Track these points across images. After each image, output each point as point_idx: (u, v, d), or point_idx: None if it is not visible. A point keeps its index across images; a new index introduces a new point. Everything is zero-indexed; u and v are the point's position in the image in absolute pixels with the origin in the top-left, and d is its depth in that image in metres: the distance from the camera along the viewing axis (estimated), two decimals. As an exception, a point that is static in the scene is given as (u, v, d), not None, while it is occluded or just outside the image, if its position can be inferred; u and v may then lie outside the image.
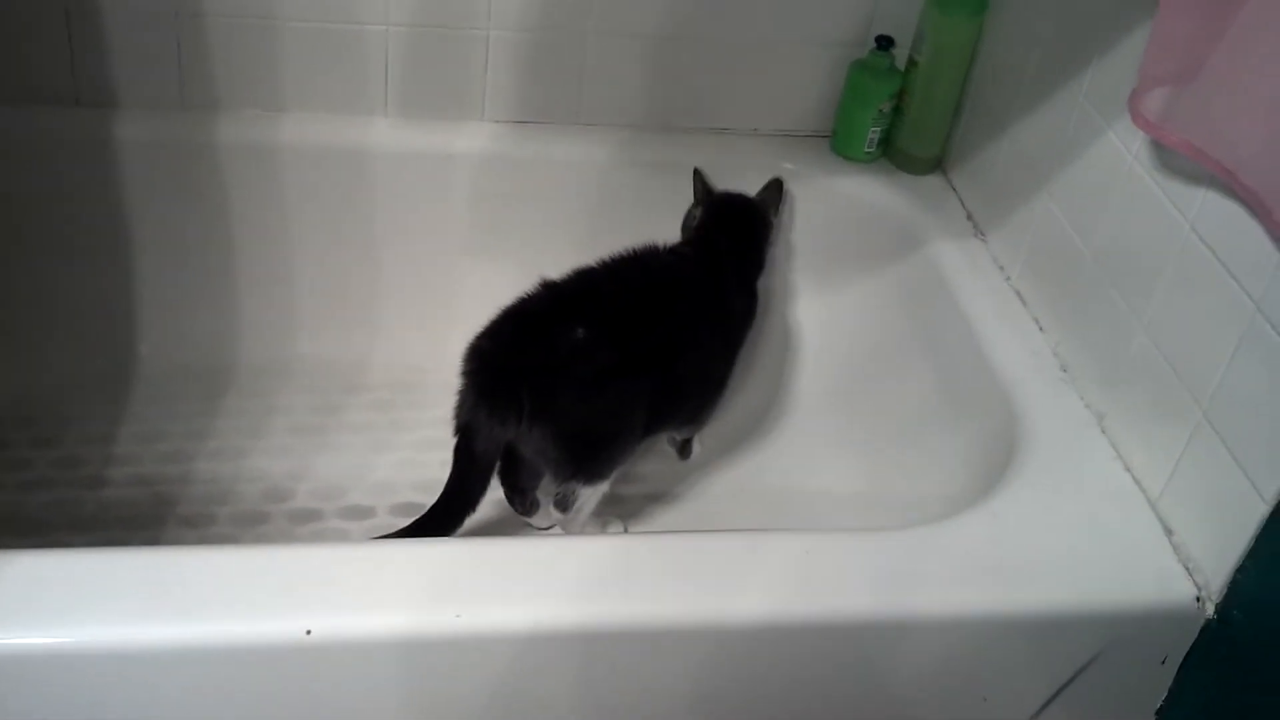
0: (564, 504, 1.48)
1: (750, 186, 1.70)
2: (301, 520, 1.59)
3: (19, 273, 1.72)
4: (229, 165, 1.72)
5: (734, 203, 1.67)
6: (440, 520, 1.38)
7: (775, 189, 1.69)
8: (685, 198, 1.72)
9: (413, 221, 1.80)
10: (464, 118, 1.78)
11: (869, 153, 1.82)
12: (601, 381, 1.38)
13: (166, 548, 1.43)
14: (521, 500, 1.54)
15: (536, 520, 1.56)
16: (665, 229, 1.78)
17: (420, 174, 1.76)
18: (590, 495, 1.47)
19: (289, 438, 1.71)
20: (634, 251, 1.51)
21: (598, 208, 1.83)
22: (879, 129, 1.80)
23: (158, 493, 1.60)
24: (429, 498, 1.60)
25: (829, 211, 1.80)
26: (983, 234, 1.68)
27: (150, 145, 1.70)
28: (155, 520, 1.57)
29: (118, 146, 1.69)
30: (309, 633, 1.04)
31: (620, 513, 1.62)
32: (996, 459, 1.35)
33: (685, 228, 1.66)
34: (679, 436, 1.70)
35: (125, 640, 1.02)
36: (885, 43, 1.75)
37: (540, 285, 1.42)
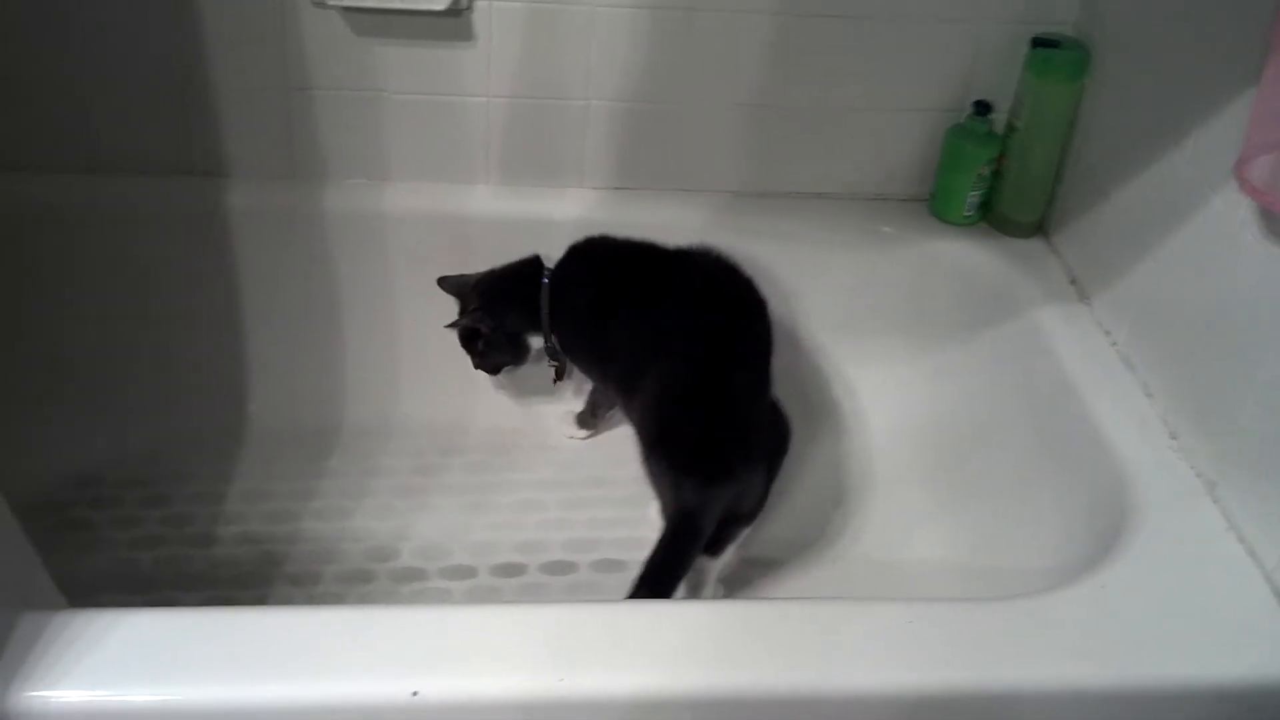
0: (720, 549, 1.50)
1: (848, 253, 1.72)
2: (405, 580, 1.62)
3: (135, 334, 1.78)
4: (336, 232, 1.78)
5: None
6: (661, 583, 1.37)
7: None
8: (783, 262, 1.73)
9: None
10: (563, 184, 1.82)
11: (968, 216, 1.81)
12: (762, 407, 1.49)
13: (274, 607, 1.46)
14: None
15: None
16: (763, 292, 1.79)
17: (521, 240, 1.78)
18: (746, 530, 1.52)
19: (391, 498, 1.74)
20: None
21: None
22: (978, 193, 1.79)
23: (265, 551, 1.64)
24: (529, 558, 1.64)
25: (927, 275, 1.79)
26: (1087, 298, 1.66)
27: (261, 213, 1.76)
28: (263, 579, 1.60)
29: (230, 215, 1.75)
30: (415, 694, 1.05)
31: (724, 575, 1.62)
32: (1103, 529, 1.32)
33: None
34: None
35: (232, 699, 1.04)
36: (983, 107, 1.75)
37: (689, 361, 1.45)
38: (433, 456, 1.82)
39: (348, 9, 1.65)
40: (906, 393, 1.82)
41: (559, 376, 1.76)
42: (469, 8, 1.66)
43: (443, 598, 1.59)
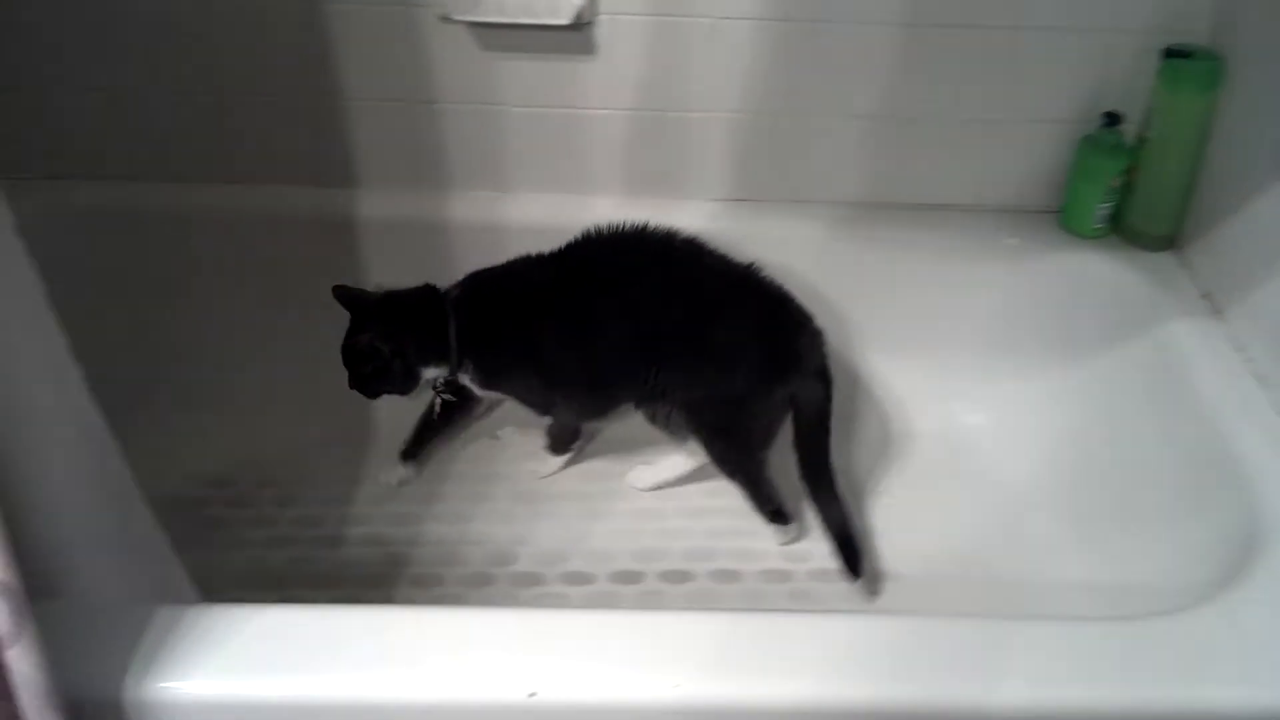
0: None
1: (973, 265, 1.70)
2: (524, 584, 1.64)
3: (269, 340, 1.85)
4: (459, 242, 1.82)
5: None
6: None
7: None
8: (905, 273, 1.72)
9: (632, 296, 1.85)
10: (684, 195, 1.84)
11: (1098, 229, 1.77)
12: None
13: (397, 607, 1.50)
14: None
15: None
16: (881, 304, 1.79)
17: (640, 250, 1.81)
18: None
19: (511, 504, 1.77)
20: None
21: (815, 283, 1.84)
22: (1108, 205, 1.75)
23: (390, 553, 1.68)
24: (647, 565, 1.65)
25: (1055, 288, 1.76)
26: (1220, 313, 1.61)
27: (388, 223, 1.81)
28: (387, 580, 1.64)
29: (358, 224, 1.80)
30: (533, 695, 1.06)
31: (844, 589, 1.61)
32: (1236, 550, 1.28)
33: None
34: None
35: (355, 694, 1.08)
36: (1113, 119, 1.71)
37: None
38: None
39: (474, 24, 1.69)
40: (1034, 408, 1.79)
41: (441, 410, 1.73)
42: (592, 22, 1.69)
43: (560, 603, 1.61)
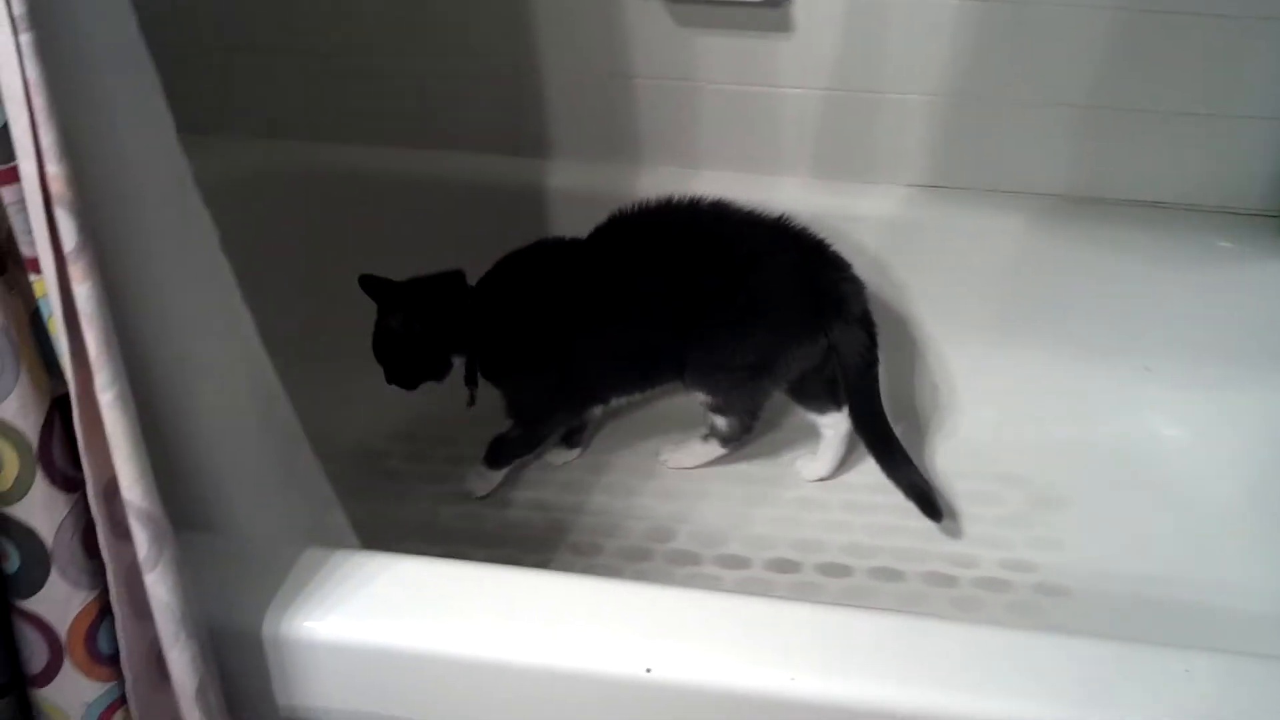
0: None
1: (1181, 267, 1.59)
2: (680, 562, 1.64)
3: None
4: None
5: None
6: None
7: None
8: (1106, 273, 1.63)
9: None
10: (875, 180, 1.78)
11: (1323, 236, 1.63)
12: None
13: (545, 571, 1.52)
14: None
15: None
16: (1078, 303, 1.70)
17: (826, 233, 1.77)
18: None
19: (677, 481, 1.77)
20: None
21: (1010, 279, 1.76)
22: (1336, 210, 1.61)
23: (553, 518, 1.71)
24: (806, 556, 1.63)
25: (1271, 297, 1.62)
26: None
27: (578, 194, 1.83)
28: (547, 544, 1.67)
29: (549, 194, 1.83)
30: (649, 670, 1.06)
31: (1009, 600, 1.55)
32: None
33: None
34: None
35: (480, 650, 1.09)
36: (1350, 115, 1.57)
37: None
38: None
39: (671, 0, 1.68)
40: (1240, 425, 1.66)
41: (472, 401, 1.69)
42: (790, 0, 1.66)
43: (713, 584, 1.60)
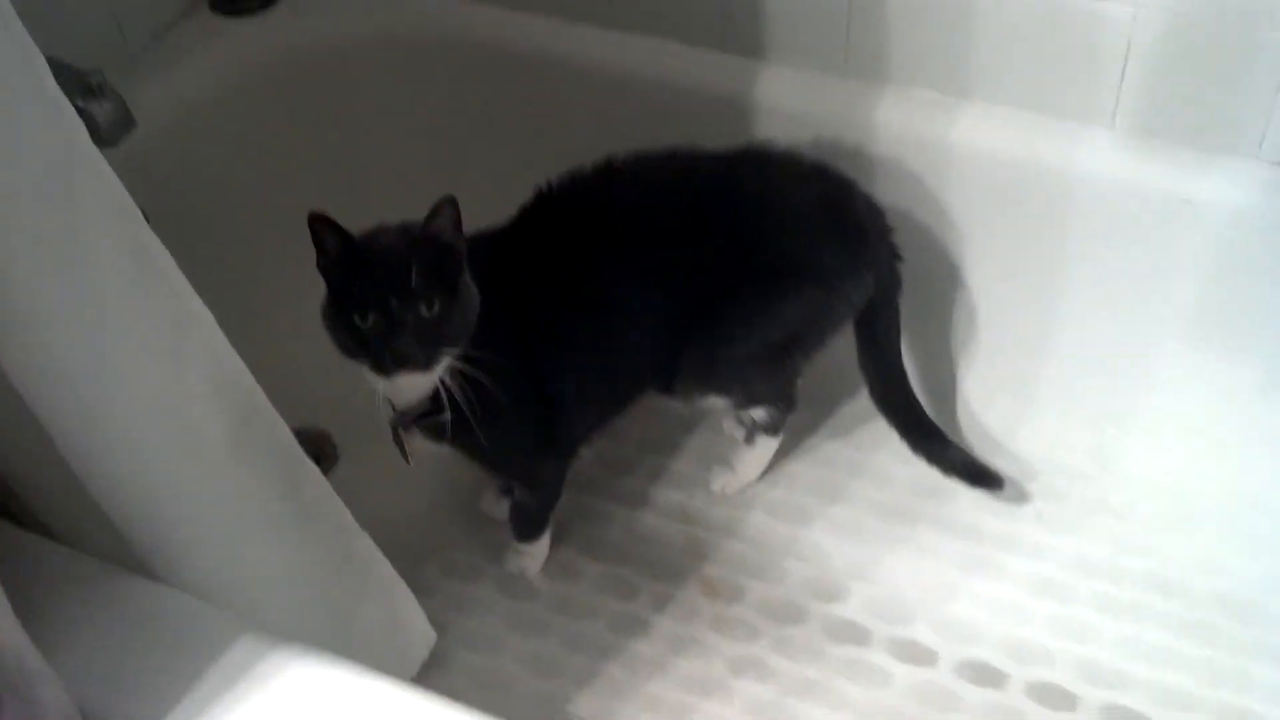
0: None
1: None
2: (840, 637, 1.26)
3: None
4: (883, 152, 1.33)
5: None
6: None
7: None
8: None
9: (1116, 283, 1.30)
10: (1225, 150, 1.21)
11: None
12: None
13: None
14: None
15: None
16: None
17: (1142, 220, 1.24)
18: None
19: (868, 516, 1.36)
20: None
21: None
22: None
23: (693, 536, 1.36)
24: (1016, 666, 1.25)
25: None
26: None
27: (795, 111, 1.35)
28: (677, 572, 1.33)
29: (758, 106, 1.37)
30: None
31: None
32: None
33: None
34: None
35: None
36: None
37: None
38: (930, 478, 1.36)
39: None
40: None
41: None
42: None
43: (873, 680, 1.21)
